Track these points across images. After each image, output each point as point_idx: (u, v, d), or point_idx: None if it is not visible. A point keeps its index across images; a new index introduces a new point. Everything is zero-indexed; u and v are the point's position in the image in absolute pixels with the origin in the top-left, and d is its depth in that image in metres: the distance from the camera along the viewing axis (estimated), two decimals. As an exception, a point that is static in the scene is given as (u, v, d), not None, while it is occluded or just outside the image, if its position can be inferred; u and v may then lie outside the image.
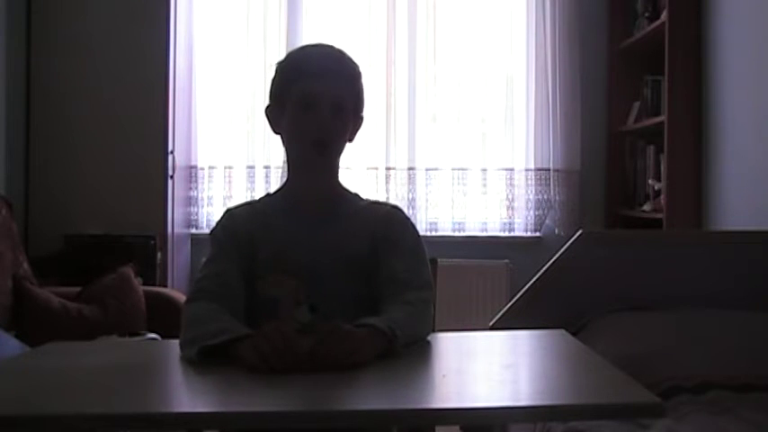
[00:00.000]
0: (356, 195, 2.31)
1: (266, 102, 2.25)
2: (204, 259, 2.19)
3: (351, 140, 2.24)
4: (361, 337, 1.81)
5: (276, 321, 1.87)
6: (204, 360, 1.84)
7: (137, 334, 3.92)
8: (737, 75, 3.96)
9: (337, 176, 2.27)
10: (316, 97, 2.11)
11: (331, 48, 2.24)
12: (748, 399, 2.63)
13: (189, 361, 1.88)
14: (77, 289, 4.15)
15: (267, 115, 2.23)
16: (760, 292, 3.16)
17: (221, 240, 2.19)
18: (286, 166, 2.29)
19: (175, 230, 4.89)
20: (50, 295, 4.01)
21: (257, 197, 5.00)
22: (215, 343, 1.83)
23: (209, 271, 2.14)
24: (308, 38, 5.20)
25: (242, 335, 1.83)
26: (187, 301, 2.10)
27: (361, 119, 2.26)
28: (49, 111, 4.78)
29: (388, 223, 2.20)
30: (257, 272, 2.13)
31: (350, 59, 2.22)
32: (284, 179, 2.32)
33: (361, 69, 2.24)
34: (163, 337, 3.71)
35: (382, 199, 5.02)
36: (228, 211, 2.28)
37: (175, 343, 1.99)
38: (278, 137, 2.23)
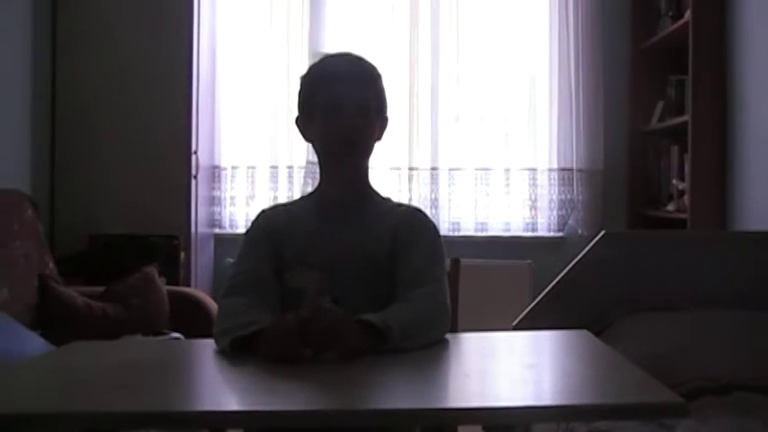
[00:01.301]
0: (386, 199, 2.37)
1: (295, 113, 2.33)
2: (236, 256, 2.29)
3: (379, 139, 2.32)
4: (352, 327, 1.87)
5: (288, 313, 1.94)
6: (235, 352, 1.90)
7: (160, 333, 3.94)
8: (762, 74, 3.93)
9: (367, 177, 2.34)
10: (342, 101, 2.20)
11: (349, 54, 2.34)
12: (773, 400, 2.62)
13: (219, 354, 1.91)
14: (102, 288, 4.17)
15: (298, 126, 2.32)
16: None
17: (253, 238, 2.29)
18: (318, 169, 2.37)
19: (199, 230, 4.91)
20: (75, 294, 4.03)
21: (280, 197, 5.10)
22: (244, 334, 1.91)
23: (243, 267, 2.24)
24: (330, 38, 5.21)
25: (267, 326, 1.91)
26: (222, 296, 2.19)
27: (386, 119, 2.34)
28: (73, 111, 4.81)
29: (408, 224, 2.26)
30: (285, 267, 2.22)
31: (369, 63, 2.31)
32: (316, 183, 2.39)
33: (381, 71, 2.33)
34: (186, 336, 3.72)
35: (405, 199, 5.03)
36: (263, 211, 2.38)
37: (198, 342, 2.02)
38: (301, 138, 2.33)
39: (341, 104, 2.19)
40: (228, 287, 2.19)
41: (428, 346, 1.97)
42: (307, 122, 2.28)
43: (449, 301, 2.16)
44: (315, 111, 2.23)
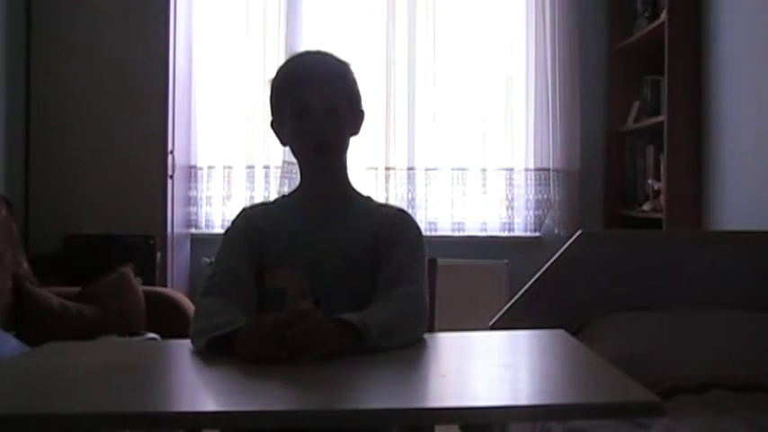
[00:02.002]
0: (367, 198, 2.36)
1: (269, 116, 2.33)
2: (216, 255, 2.28)
3: (356, 134, 2.32)
4: (330, 330, 1.85)
5: (266, 313, 1.95)
6: (211, 352, 1.89)
7: (136, 334, 3.92)
8: (737, 74, 3.96)
9: (345, 177, 2.34)
10: (308, 106, 2.19)
11: (316, 53, 2.33)
12: (748, 399, 2.63)
13: (195, 355, 1.91)
14: (77, 289, 4.14)
15: (273, 130, 2.32)
16: (759, 292, 3.16)
17: (233, 237, 2.28)
18: (298, 169, 2.36)
19: (175, 230, 4.88)
20: (50, 295, 4.00)
21: (257, 197, 5.09)
22: (219, 334, 1.90)
23: (220, 267, 2.23)
24: (307, 38, 5.20)
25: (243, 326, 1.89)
26: (200, 296, 2.19)
27: (362, 113, 2.33)
28: (49, 110, 4.78)
29: (391, 225, 2.26)
30: (265, 266, 2.21)
31: (336, 60, 2.29)
32: (293, 183, 2.38)
33: (351, 66, 2.31)
34: (162, 336, 3.71)
35: (382, 199, 5.03)
36: (243, 210, 2.38)
37: (175, 343, 2.01)
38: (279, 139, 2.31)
39: (307, 108, 2.18)
40: (206, 287, 2.18)
41: (406, 345, 1.97)
42: (280, 127, 2.28)
43: (428, 301, 2.16)
44: (285, 115, 2.23)
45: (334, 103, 2.20)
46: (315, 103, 2.18)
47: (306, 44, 5.17)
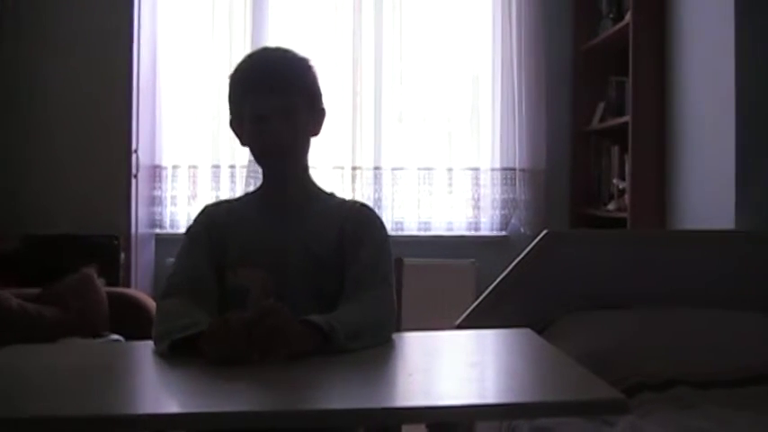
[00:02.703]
0: (330, 195, 2.35)
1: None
2: (176, 254, 2.25)
3: (316, 134, 2.28)
4: (297, 329, 1.85)
5: (231, 312, 1.91)
6: (175, 355, 1.87)
7: (99, 335, 3.88)
8: (700, 75, 3.99)
9: (307, 176, 2.32)
10: (264, 109, 2.16)
11: (276, 50, 2.30)
12: (711, 395, 2.66)
13: (159, 357, 1.90)
14: (38, 290, 4.09)
15: (233, 130, 2.28)
16: (721, 290, 3.19)
17: (194, 236, 2.26)
18: (262, 172, 2.35)
19: (139, 230, 4.85)
20: (9, 297, 3.94)
21: (222, 197, 5.05)
22: (182, 336, 1.87)
23: (181, 266, 2.21)
24: (273, 37, 5.18)
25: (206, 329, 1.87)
26: (160, 297, 2.16)
27: (322, 111, 2.29)
28: (7, 106, 4.72)
29: (355, 221, 2.24)
30: (227, 265, 2.19)
31: (295, 58, 2.25)
32: (259, 183, 2.37)
33: (312, 62, 2.27)
34: (126, 338, 3.68)
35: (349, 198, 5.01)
36: (206, 207, 2.35)
37: (139, 344, 1.99)
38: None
39: (264, 112, 2.15)
40: (166, 287, 2.15)
41: (373, 346, 1.96)
42: (239, 127, 2.25)
43: (395, 301, 2.15)
44: (242, 117, 2.21)
45: (291, 105, 2.17)
46: (271, 106, 2.15)
47: (272, 43, 5.14)
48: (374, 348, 1.94)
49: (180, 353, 1.87)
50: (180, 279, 2.16)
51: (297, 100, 2.18)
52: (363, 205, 2.34)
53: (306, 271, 2.17)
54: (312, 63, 2.26)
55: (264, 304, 1.88)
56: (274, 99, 2.15)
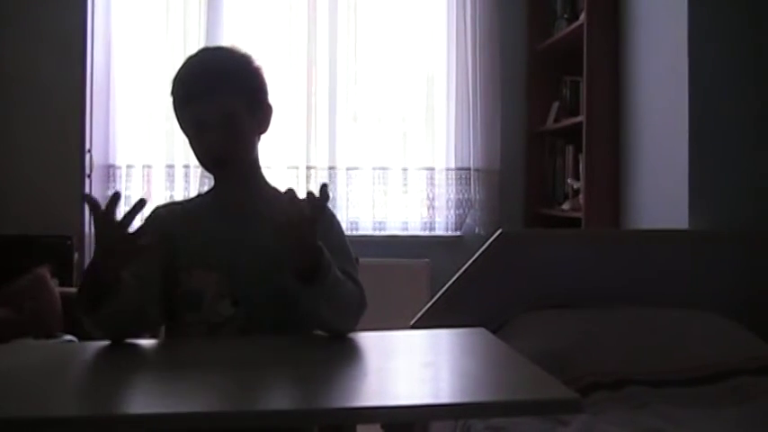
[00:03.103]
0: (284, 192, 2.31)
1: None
2: None
3: (263, 132, 2.24)
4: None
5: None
6: (128, 353, 1.90)
7: (53, 336, 3.85)
8: (654, 76, 4.02)
9: (257, 175, 2.28)
10: (203, 118, 2.11)
11: (214, 52, 2.28)
12: (664, 394, 2.69)
13: (116, 357, 1.88)
14: (-10, 290, 4.05)
15: (183, 131, 2.23)
16: (675, 289, 3.22)
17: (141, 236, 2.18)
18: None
19: (93, 230, 4.79)
20: (-38, 297, 3.91)
21: (176, 196, 5.01)
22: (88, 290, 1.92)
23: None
24: (227, 36, 5.15)
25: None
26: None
27: (269, 107, 2.23)
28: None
29: None
30: (179, 266, 2.15)
31: (232, 59, 2.20)
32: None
33: (253, 58, 2.21)
34: (80, 339, 3.64)
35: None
36: (156, 208, 2.30)
37: (93, 344, 1.98)
38: None
39: (202, 122, 2.11)
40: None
41: (337, 324, 2.01)
42: (184, 133, 2.21)
43: (364, 291, 2.14)
44: (184, 126, 2.17)
45: (231, 111, 2.11)
46: (209, 112, 2.10)
47: (227, 42, 5.11)
48: (328, 348, 1.94)
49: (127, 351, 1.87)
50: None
51: (235, 102, 2.12)
52: None
53: (261, 272, 2.13)
54: (253, 59, 2.20)
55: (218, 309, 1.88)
56: (211, 105, 2.10)
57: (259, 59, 2.22)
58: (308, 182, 5.19)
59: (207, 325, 2.10)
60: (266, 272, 2.14)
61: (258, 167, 2.27)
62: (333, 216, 2.27)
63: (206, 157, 2.15)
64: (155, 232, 2.12)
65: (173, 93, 2.20)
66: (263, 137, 2.24)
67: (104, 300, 1.91)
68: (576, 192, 4.68)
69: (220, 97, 2.11)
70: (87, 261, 4.66)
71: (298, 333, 2.10)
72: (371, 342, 2.12)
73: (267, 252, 2.13)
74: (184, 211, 2.29)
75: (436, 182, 5.32)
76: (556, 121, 5.05)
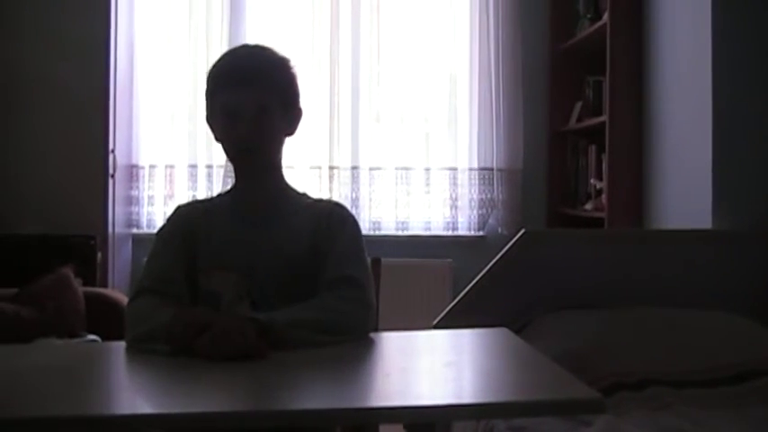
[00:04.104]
0: (303, 195, 2.33)
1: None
2: (148, 255, 2.24)
3: (291, 134, 2.27)
4: (236, 326, 1.86)
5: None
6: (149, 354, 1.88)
7: (76, 336, 3.87)
8: (677, 75, 4.00)
9: (279, 176, 2.29)
10: (237, 106, 2.14)
11: (252, 48, 2.29)
12: (686, 394, 2.68)
13: (129, 361, 1.88)
14: (15, 290, 4.07)
15: (209, 124, 2.27)
16: (698, 289, 3.21)
17: (166, 237, 2.25)
18: (234, 170, 2.33)
19: (116, 230, 4.82)
20: (-14, 297, 3.93)
21: (199, 197, 5.02)
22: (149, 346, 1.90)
23: (150, 268, 2.20)
24: (250, 36, 5.17)
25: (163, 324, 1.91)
26: (129, 299, 2.13)
27: (299, 111, 2.27)
28: (-16, 107, 4.70)
29: (329, 221, 2.22)
30: (199, 267, 2.17)
31: (273, 56, 2.23)
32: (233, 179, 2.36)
33: (291, 62, 2.25)
34: (103, 338, 3.66)
35: (325, 197, 5.00)
36: (178, 207, 2.33)
37: (115, 344, 1.98)
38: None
39: (237, 109, 2.14)
40: (137, 290, 2.13)
41: (341, 342, 1.97)
42: (213, 123, 2.24)
43: (371, 297, 2.12)
44: (216, 112, 2.20)
45: (265, 105, 2.15)
46: (245, 104, 2.13)
47: (249, 41, 5.11)
48: (350, 348, 1.94)
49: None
50: (149, 281, 2.14)
51: (270, 98, 2.16)
52: (337, 204, 2.33)
53: (278, 274, 2.15)
54: (292, 63, 2.25)
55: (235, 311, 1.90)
56: (247, 95, 2.13)
57: (296, 65, 2.26)
58: (330, 182, 5.20)
59: None
60: (283, 273, 2.16)
61: (281, 168, 2.28)
62: (345, 221, 2.26)
63: (235, 145, 2.18)
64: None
65: (208, 78, 2.23)
66: (287, 139, 2.26)
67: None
68: (599, 192, 4.66)
69: (257, 90, 2.15)
70: (111, 260, 4.69)
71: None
72: (394, 342, 2.12)
73: (285, 253, 2.17)
74: (205, 210, 2.30)
75: (459, 182, 5.31)
76: (579, 120, 5.03)
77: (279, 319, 1.91)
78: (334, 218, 2.24)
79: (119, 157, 4.81)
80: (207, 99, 2.24)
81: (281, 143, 2.24)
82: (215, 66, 2.24)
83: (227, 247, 2.18)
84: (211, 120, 2.24)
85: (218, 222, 2.23)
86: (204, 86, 2.24)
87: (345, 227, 2.23)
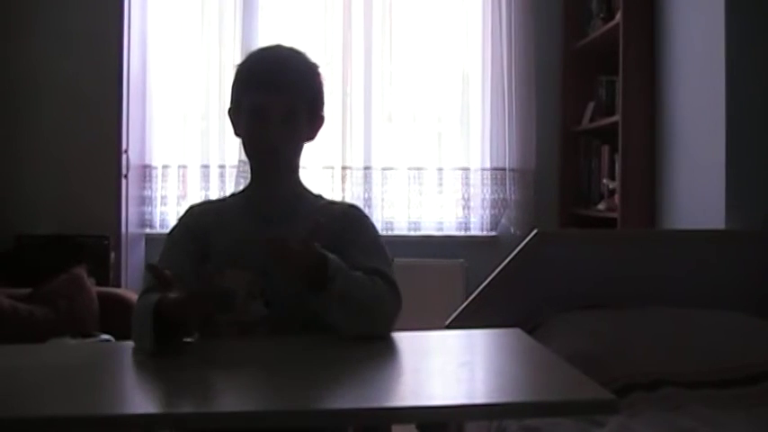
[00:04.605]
0: (318, 196, 2.33)
1: (228, 104, 2.30)
2: (159, 254, 2.24)
3: (311, 139, 2.28)
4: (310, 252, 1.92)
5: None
6: (161, 352, 1.88)
7: (89, 335, 3.88)
8: (690, 75, 3.99)
9: (296, 178, 2.31)
10: (264, 107, 2.15)
11: (287, 51, 2.27)
12: (700, 395, 2.67)
13: (141, 359, 1.88)
14: (28, 290, 4.09)
15: (230, 117, 2.29)
16: (710, 290, 3.20)
17: (177, 236, 2.25)
18: (250, 169, 2.33)
19: (129, 230, 4.84)
20: (0, 296, 3.94)
21: (212, 197, 5.03)
22: (150, 327, 1.89)
23: (162, 266, 2.15)
24: (263, 36, 5.18)
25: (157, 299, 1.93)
26: (139, 296, 2.13)
27: (322, 118, 2.29)
28: (-1, 109, 4.72)
29: (345, 222, 2.23)
30: (212, 266, 2.16)
31: (304, 62, 2.25)
32: (248, 178, 2.36)
33: (320, 69, 2.27)
34: (116, 338, 3.67)
35: (338, 198, 5.01)
36: (191, 207, 2.34)
37: (129, 344, 1.99)
38: (233, 138, 2.28)
39: (266, 111, 2.15)
40: (145, 288, 2.12)
41: (369, 330, 2.00)
42: (237, 118, 2.24)
43: (401, 298, 2.12)
44: (242, 111, 2.20)
45: (293, 109, 2.17)
46: (275, 107, 2.14)
47: (262, 42, 5.11)
48: (363, 348, 1.94)
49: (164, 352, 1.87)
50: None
51: (299, 103, 2.18)
52: (352, 206, 2.34)
53: None
54: (320, 70, 2.26)
55: (249, 308, 1.90)
56: (276, 96, 2.15)
57: (324, 72, 2.28)
58: (343, 182, 5.20)
59: (238, 325, 2.11)
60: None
61: (298, 171, 2.30)
62: (363, 220, 2.28)
63: (258, 146, 2.19)
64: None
65: (237, 73, 2.24)
66: (306, 144, 2.27)
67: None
68: (612, 192, 4.65)
69: (288, 94, 2.16)
70: (124, 260, 4.71)
71: (327, 334, 2.10)
72: (406, 342, 2.12)
73: None
74: (218, 210, 2.31)
75: (471, 182, 5.31)
76: (591, 120, 5.02)
77: (338, 261, 1.95)
78: (351, 219, 2.25)
79: (132, 157, 4.82)
80: (233, 93, 2.25)
81: (301, 147, 2.25)
82: (246, 62, 2.24)
83: (241, 245, 2.18)
84: (235, 114, 2.25)
85: (232, 221, 2.24)
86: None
87: (364, 226, 2.25)
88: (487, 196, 5.29)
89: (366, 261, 2.11)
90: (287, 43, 2.30)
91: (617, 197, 4.47)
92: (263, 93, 2.15)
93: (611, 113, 4.68)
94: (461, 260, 5.14)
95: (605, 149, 4.88)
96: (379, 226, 5.10)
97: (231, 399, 1.64)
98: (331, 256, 1.95)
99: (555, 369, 1.79)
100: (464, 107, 5.36)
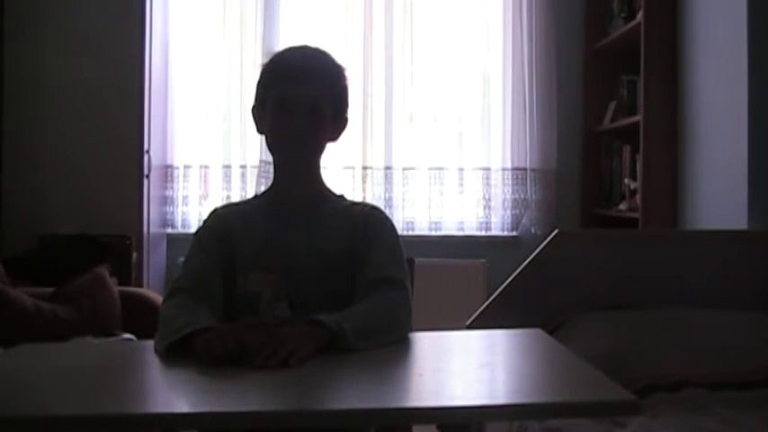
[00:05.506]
0: (340, 197, 2.34)
1: (252, 102, 2.30)
2: (185, 256, 2.25)
3: (334, 140, 2.29)
4: (301, 333, 1.84)
5: (243, 321, 1.97)
6: (174, 356, 1.88)
7: (112, 334, 3.90)
8: (712, 74, 3.97)
9: (319, 177, 2.31)
10: (291, 101, 2.16)
11: (313, 50, 2.29)
12: (722, 396, 2.65)
13: (162, 359, 1.89)
14: (51, 289, 4.11)
15: (253, 115, 2.29)
16: (733, 290, 3.18)
17: (201, 239, 2.26)
18: (272, 168, 2.34)
19: (151, 230, 4.86)
20: (24, 296, 3.96)
21: (233, 197, 5.07)
22: (176, 339, 1.89)
23: (186, 269, 2.21)
24: (284, 37, 5.19)
25: (200, 328, 1.88)
26: (163, 300, 2.15)
27: (345, 120, 2.29)
28: (22, 107, 4.74)
29: (366, 223, 2.23)
30: (237, 269, 2.18)
31: (331, 62, 2.27)
32: (269, 183, 2.37)
33: (346, 72, 2.29)
34: (138, 337, 3.69)
35: (359, 198, 5.02)
36: (215, 210, 2.34)
37: (150, 343, 1.99)
38: (257, 137, 2.29)
39: (292, 105, 2.16)
40: (171, 289, 2.15)
41: (385, 345, 1.96)
42: (261, 114, 2.25)
43: (411, 298, 2.13)
44: (267, 103, 2.21)
45: (319, 105, 2.18)
46: (300, 101, 2.15)
47: (283, 43, 5.14)
48: (384, 348, 1.93)
49: (179, 354, 1.88)
50: (185, 281, 2.16)
51: (324, 101, 2.19)
52: (374, 207, 2.33)
53: (316, 274, 2.16)
54: (347, 72, 2.28)
55: (272, 312, 1.89)
56: (304, 91, 2.16)
57: (350, 76, 2.31)
58: (364, 182, 5.21)
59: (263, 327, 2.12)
60: (321, 274, 2.17)
61: (319, 169, 2.30)
62: (383, 223, 2.27)
63: (284, 138, 2.19)
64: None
65: (264, 70, 2.26)
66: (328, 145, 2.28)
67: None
68: (633, 192, 4.64)
69: (315, 90, 2.18)
70: (146, 260, 4.73)
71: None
72: (427, 342, 2.12)
73: (321, 254, 2.18)
74: (241, 212, 2.32)
75: (492, 182, 5.30)
76: (613, 120, 5.00)
77: (346, 327, 1.89)
78: (372, 220, 2.25)
79: (154, 157, 4.84)
80: (258, 90, 2.25)
81: (324, 146, 2.25)
82: (273, 60, 2.26)
83: (265, 247, 2.19)
84: (259, 111, 2.26)
85: (256, 223, 2.24)
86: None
87: (383, 229, 2.24)
88: (508, 196, 5.28)
89: (380, 266, 2.13)
90: (312, 44, 2.32)
91: (638, 197, 4.46)
92: (289, 86, 2.17)
93: (633, 113, 4.67)
94: (482, 260, 5.14)
95: (627, 149, 4.87)
96: (399, 226, 5.13)
97: (252, 398, 1.64)
98: (323, 319, 1.90)
99: (576, 370, 1.78)
100: (485, 107, 5.36)
